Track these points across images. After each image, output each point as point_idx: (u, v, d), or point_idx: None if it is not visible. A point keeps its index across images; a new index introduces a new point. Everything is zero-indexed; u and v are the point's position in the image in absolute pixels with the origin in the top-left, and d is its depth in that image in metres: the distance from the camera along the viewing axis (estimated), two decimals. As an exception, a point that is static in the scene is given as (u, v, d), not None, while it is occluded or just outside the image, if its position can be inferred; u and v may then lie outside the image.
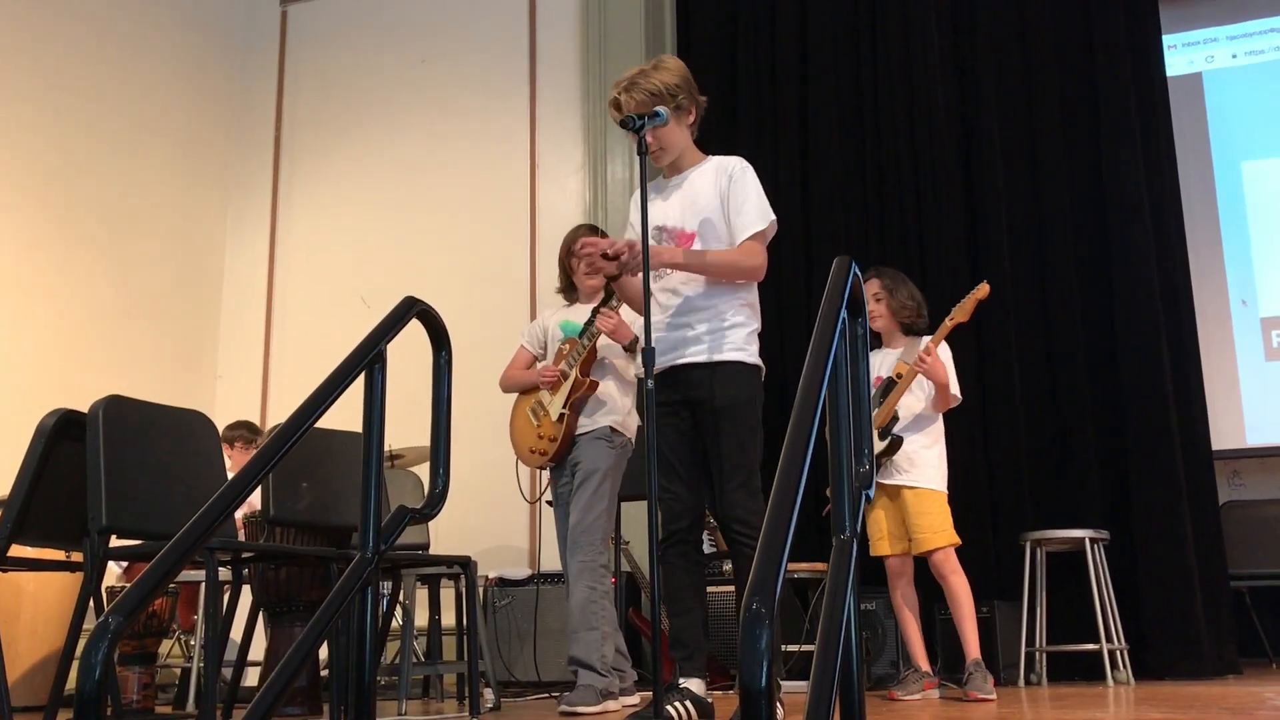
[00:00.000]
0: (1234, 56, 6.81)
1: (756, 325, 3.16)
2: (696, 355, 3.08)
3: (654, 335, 3.12)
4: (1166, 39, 5.90)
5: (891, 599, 4.27)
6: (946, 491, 4.18)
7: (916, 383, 4.20)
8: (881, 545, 4.21)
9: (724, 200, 3.13)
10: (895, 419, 4.19)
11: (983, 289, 4.22)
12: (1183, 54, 6.86)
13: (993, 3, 5.85)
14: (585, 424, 3.87)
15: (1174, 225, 5.45)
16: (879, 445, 4.15)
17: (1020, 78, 5.76)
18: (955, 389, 4.20)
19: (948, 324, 4.21)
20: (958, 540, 4.12)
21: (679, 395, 3.10)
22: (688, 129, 3.22)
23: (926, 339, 4.27)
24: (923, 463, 4.16)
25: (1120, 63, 5.56)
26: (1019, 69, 5.77)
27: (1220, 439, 5.80)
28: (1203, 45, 6.88)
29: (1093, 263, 5.48)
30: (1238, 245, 6.57)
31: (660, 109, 3.08)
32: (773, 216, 3.14)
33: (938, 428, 4.25)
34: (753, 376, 3.10)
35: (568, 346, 3.94)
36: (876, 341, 4.42)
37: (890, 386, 4.22)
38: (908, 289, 4.35)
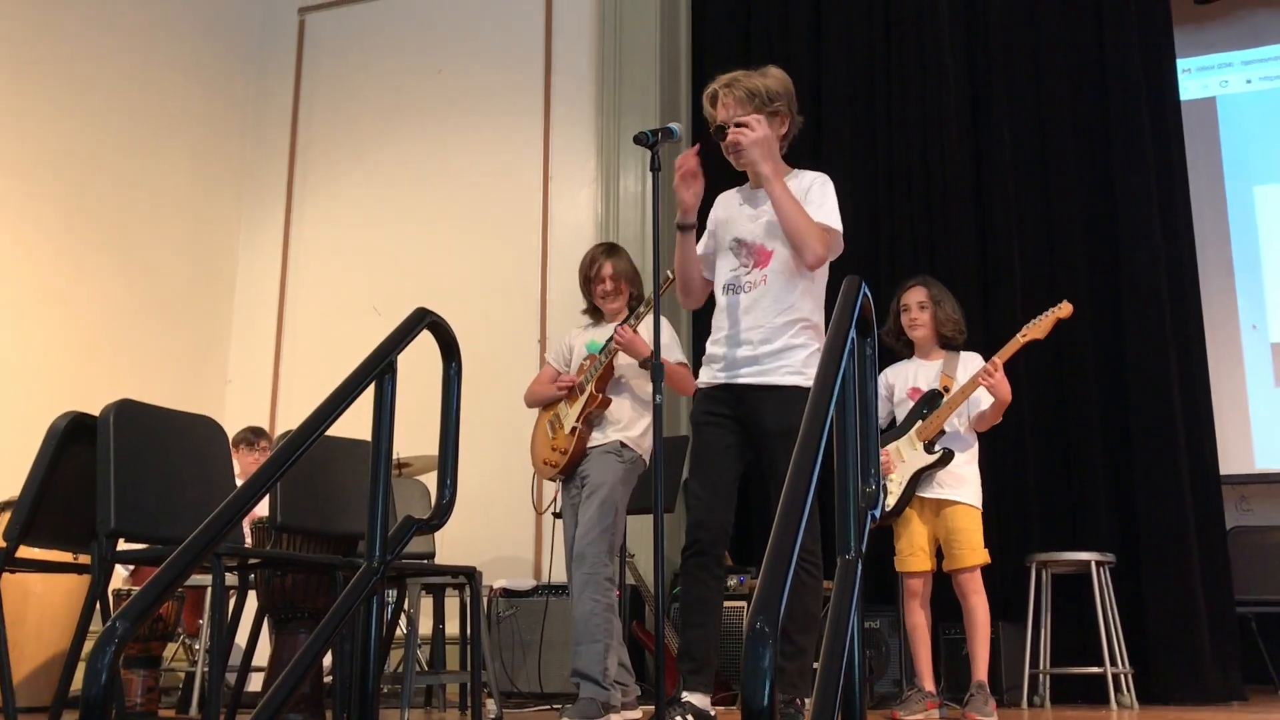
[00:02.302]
0: (1248, 81, 6.81)
1: (817, 346, 3.13)
2: (752, 376, 3.09)
3: (713, 352, 3.15)
4: (1181, 63, 5.91)
5: (907, 616, 4.21)
6: (982, 509, 4.16)
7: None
8: (912, 560, 4.16)
9: (806, 204, 3.13)
10: (943, 433, 4.16)
11: (1065, 308, 4.13)
12: (1197, 78, 6.86)
13: (1007, 22, 5.87)
14: (596, 438, 3.90)
15: (1185, 249, 5.44)
16: (929, 459, 4.13)
17: (1033, 98, 5.76)
18: None
19: (1020, 339, 4.13)
20: (988, 559, 4.11)
21: (731, 410, 3.11)
22: (778, 139, 3.22)
23: (971, 356, 4.23)
24: (967, 478, 4.13)
25: (1134, 85, 5.56)
26: (1032, 89, 5.78)
27: (1228, 464, 5.79)
28: (1217, 70, 6.88)
29: (1103, 284, 5.47)
30: (1249, 270, 6.56)
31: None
32: (841, 229, 3.15)
33: (974, 446, 4.23)
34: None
35: (588, 362, 3.97)
36: (907, 351, 4.39)
37: (934, 398, 4.18)
38: (952, 302, 4.31)
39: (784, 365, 3.08)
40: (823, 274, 3.22)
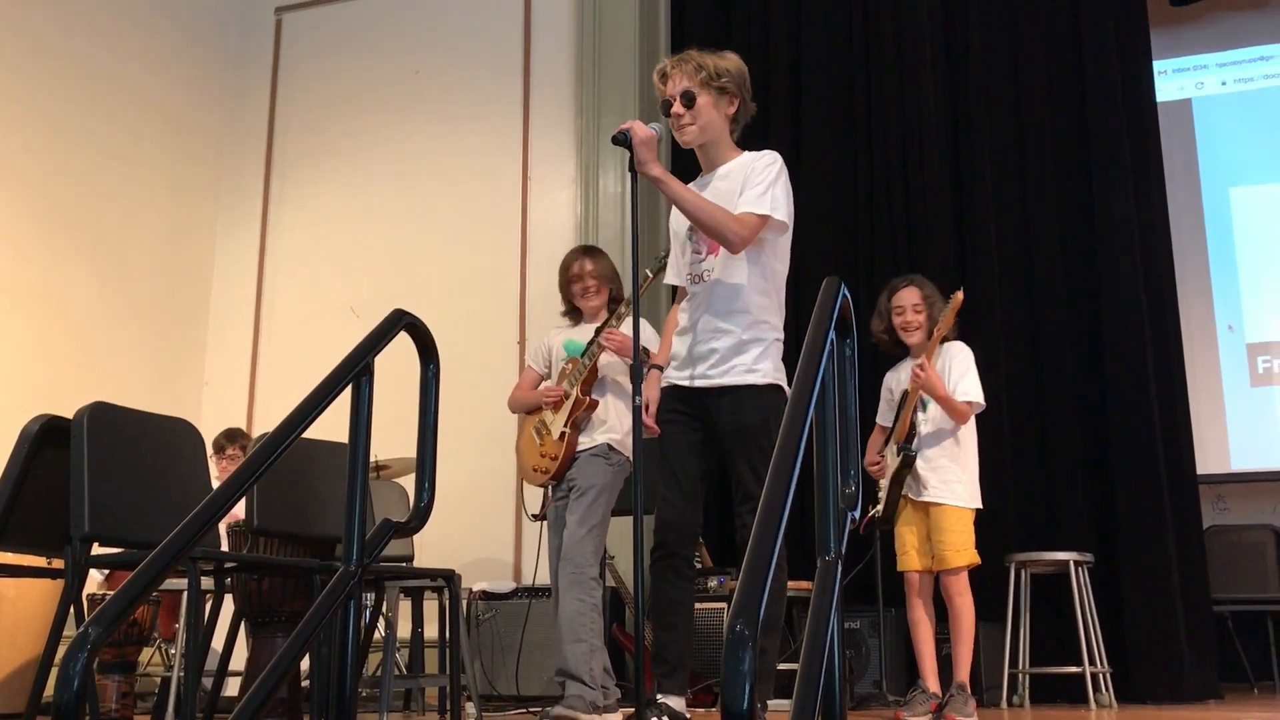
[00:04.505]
0: (1223, 84, 6.86)
1: (773, 338, 3.11)
2: (704, 379, 3.07)
3: (675, 349, 3.14)
4: (1157, 64, 5.94)
5: (908, 614, 4.21)
6: (975, 509, 4.13)
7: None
8: (904, 559, 4.18)
9: (743, 189, 3.08)
10: (914, 433, 4.16)
11: (956, 299, 4.14)
12: (1173, 80, 6.90)
13: (985, 23, 5.89)
14: (584, 441, 3.89)
15: (1162, 250, 5.48)
16: (896, 461, 4.14)
17: (1011, 100, 5.79)
18: (978, 395, 4.13)
19: (936, 335, 4.17)
20: (976, 560, 4.09)
21: (691, 409, 3.10)
22: (726, 119, 3.19)
23: (950, 346, 4.23)
24: (951, 478, 4.12)
25: (1111, 87, 5.59)
26: (1010, 92, 5.80)
27: (1205, 463, 5.82)
28: (1193, 72, 6.93)
29: (1081, 286, 5.50)
30: (1225, 271, 6.61)
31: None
32: (779, 216, 3.08)
33: (966, 440, 4.17)
34: (763, 397, 3.03)
35: (570, 366, 3.95)
36: (904, 350, 4.39)
37: (905, 399, 4.20)
38: (942, 300, 4.32)
39: (737, 364, 3.04)
40: (776, 257, 3.16)
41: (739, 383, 3.04)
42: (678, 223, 3.26)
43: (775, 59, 6.22)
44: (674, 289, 3.38)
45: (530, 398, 4.07)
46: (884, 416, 4.42)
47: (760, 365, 3.06)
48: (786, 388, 3.08)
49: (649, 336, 3.75)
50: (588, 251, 4.12)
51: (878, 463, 4.29)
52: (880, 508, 4.24)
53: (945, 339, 4.28)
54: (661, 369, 3.23)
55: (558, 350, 4.08)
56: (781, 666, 4.76)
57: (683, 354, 3.14)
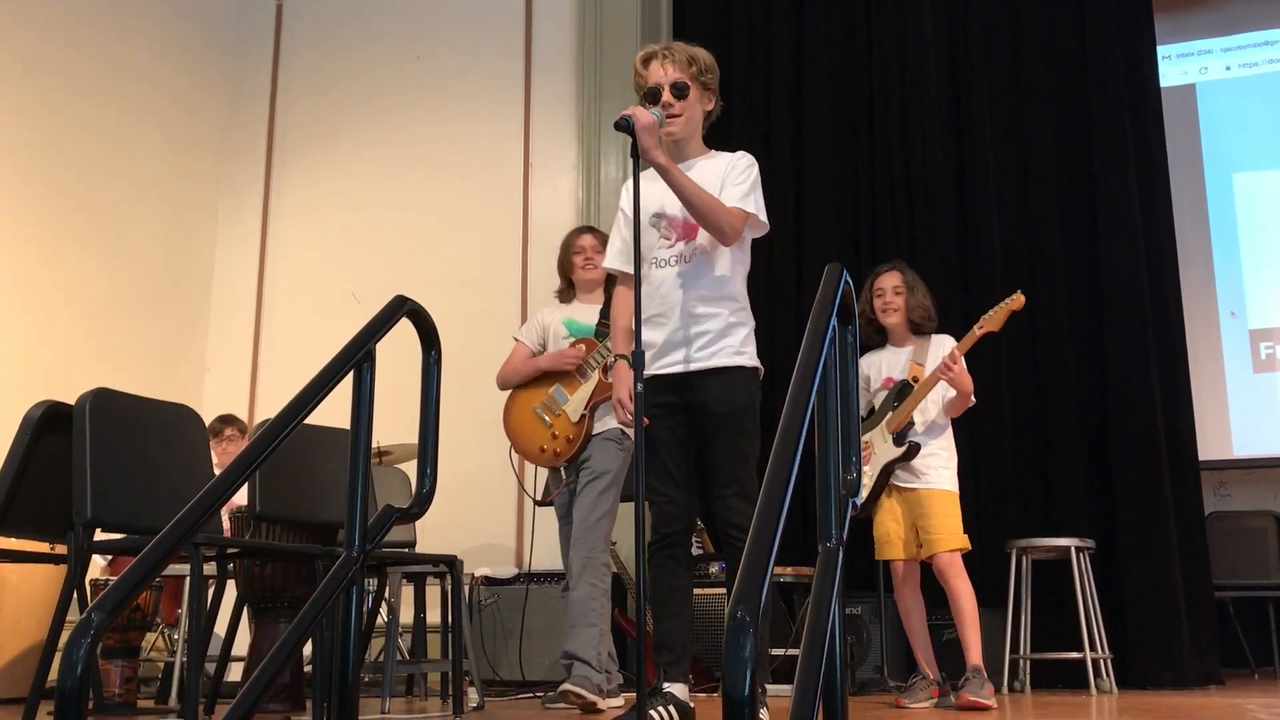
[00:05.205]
0: (1228, 69, 6.84)
1: (752, 324, 3.14)
2: (693, 362, 3.06)
3: (650, 338, 3.12)
4: (1161, 50, 5.92)
5: (898, 604, 4.22)
6: (958, 493, 4.15)
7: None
8: (889, 549, 4.16)
9: (723, 185, 3.08)
10: (911, 424, 4.15)
11: (1017, 300, 4.11)
12: (1177, 65, 6.88)
13: (987, 11, 5.87)
14: (597, 425, 3.89)
15: (1164, 235, 5.46)
16: (896, 452, 4.12)
17: (1014, 86, 5.77)
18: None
19: (976, 332, 4.12)
20: (967, 545, 4.09)
21: (675, 398, 3.08)
22: (703, 115, 3.20)
23: (942, 339, 4.23)
24: (937, 465, 4.12)
25: (1114, 72, 5.57)
26: (1012, 77, 5.78)
27: (1207, 449, 5.82)
28: (1197, 57, 6.90)
29: (1083, 272, 5.49)
30: (1228, 257, 6.60)
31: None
32: (763, 218, 3.11)
33: (948, 429, 4.22)
34: (750, 380, 3.07)
35: (585, 347, 3.94)
36: (880, 339, 4.39)
37: (905, 389, 4.18)
38: (924, 289, 4.31)
39: (725, 346, 3.05)
40: (748, 252, 3.18)
41: (728, 364, 3.05)
42: (645, 209, 3.18)
43: (776, 38, 6.19)
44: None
45: (526, 369, 4.03)
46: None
47: (747, 348, 3.09)
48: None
49: None
50: (592, 231, 4.17)
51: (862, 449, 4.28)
52: (865, 495, 4.22)
53: (931, 331, 4.27)
54: (626, 358, 3.16)
55: (556, 328, 4.07)
56: (787, 652, 4.78)
57: (660, 341, 3.09)
